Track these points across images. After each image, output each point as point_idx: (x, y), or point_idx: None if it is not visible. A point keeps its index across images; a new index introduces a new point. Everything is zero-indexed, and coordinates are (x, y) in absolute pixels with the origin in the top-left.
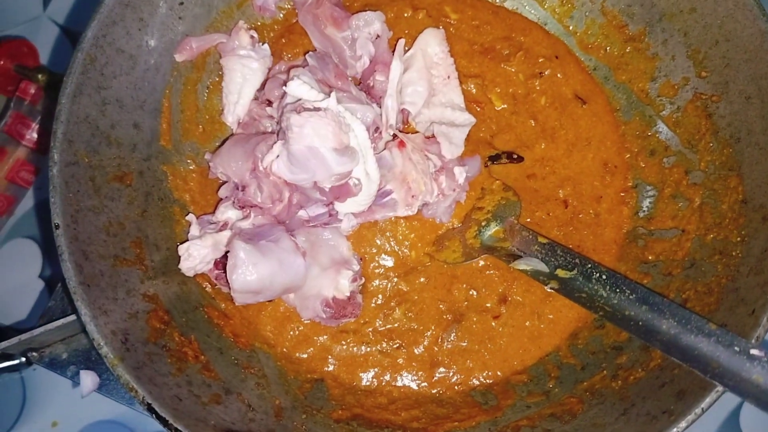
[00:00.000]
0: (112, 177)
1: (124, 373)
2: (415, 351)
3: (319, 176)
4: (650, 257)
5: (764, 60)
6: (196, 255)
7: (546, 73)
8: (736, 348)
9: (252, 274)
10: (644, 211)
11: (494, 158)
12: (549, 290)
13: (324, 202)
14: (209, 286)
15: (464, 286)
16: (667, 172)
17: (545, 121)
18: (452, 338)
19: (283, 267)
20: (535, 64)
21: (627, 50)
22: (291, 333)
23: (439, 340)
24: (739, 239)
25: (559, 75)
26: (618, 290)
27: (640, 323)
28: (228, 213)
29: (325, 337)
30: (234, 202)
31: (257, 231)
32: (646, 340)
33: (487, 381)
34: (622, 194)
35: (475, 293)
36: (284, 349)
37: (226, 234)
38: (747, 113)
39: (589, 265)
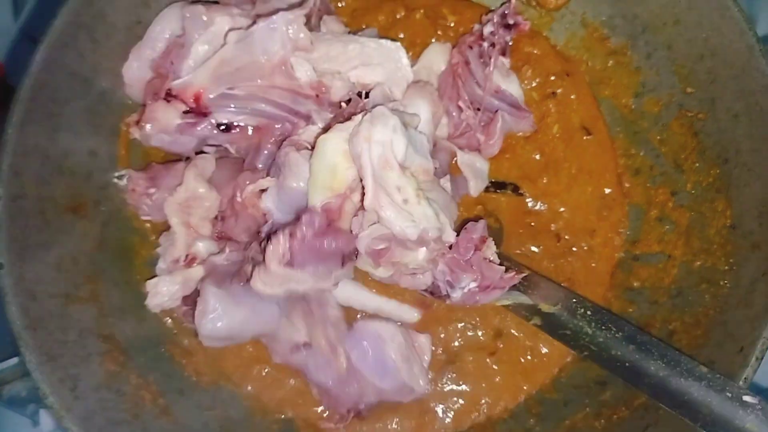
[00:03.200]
0: (65, 208)
1: (71, 425)
2: None
3: None
4: (635, 283)
5: (752, 76)
6: (165, 292)
7: (559, 92)
8: (728, 394)
9: (221, 322)
10: (628, 233)
11: (498, 186)
12: (516, 333)
13: None
14: (170, 320)
15: (458, 324)
16: (653, 193)
17: (551, 154)
18: (446, 381)
19: (255, 313)
20: (547, 82)
21: (609, 64)
22: (259, 373)
23: (433, 383)
24: (727, 267)
25: (572, 96)
26: (604, 327)
27: (627, 364)
28: (198, 246)
29: (296, 380)
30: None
31: (231, 270)
32: (633, 383)
33: (477, 421)
34: (620, 230)
35: (470, 329)
36: (251, 389)
37: (199, 271)
38: (734, 132)
39: (574, 300)
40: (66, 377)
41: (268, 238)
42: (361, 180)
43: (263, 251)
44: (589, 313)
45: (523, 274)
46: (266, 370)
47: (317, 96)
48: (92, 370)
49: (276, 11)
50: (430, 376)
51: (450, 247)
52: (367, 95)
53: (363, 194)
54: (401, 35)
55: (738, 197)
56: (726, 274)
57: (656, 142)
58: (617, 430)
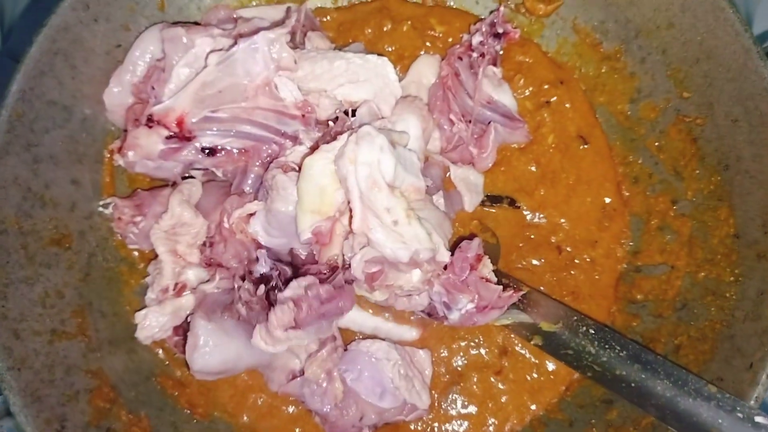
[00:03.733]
0: (49, 241)
1: None
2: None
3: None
4: (639, 296)
5: (749, 79)
6: (154, 323)
7: (553, 101)
8: (739, 414)
9: (213, 356)
10: (630, 244)
11: (494, 200)
12: (521, 350)
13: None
14: (162, 351)
15: (461, 343)
16: (653, 202)
17: (547, 165)
18: (451, 402)
19: (249, 346)
20: (540, 91)
21: (603, 70)
22: (255, 402)
23: (437, 405)
24: (732, 279)
25: (567, 105)
26: (607, 346)
27: (633, 384)
28: (187, 274)
29: (293, 408)
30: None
31: (222, 299)
32: (639, 404)
33: None
34: (622, 241)
35: (473, 348)
36: (247, 419)
37: (189, 300)
38: (734, 137)
39: (575, 318)
40: (53, 418)
41: (268, 296)
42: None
43: (266, 309)
44: (591, 331)
45: (522, 292)
46: (262, 399)
47: (303, 116)
48: (80, 408)
49: (257, 30)
50: (434, 396)
51: (445, 268)
52: (354, 113)
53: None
54: (389, 48)
55: (741, 205)
56: (732, 286)
57: (654, 149)
58: None
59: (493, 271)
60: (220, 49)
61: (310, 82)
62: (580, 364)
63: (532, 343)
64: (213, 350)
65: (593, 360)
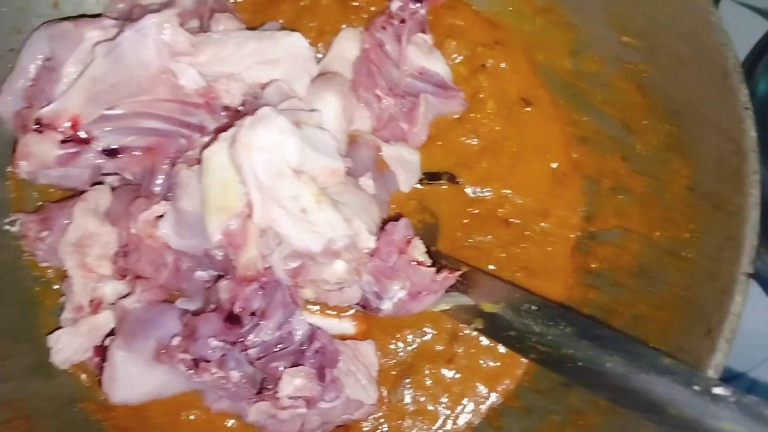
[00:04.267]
0: None
1: None
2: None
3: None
4: (594, 265)
5: (691, 14)
6: (69, 345)
7: (489, 64)
8: (696, 387)
9: (134, 389)
10: (583, 208)
11: (432, 177)
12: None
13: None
14: (86, 375)
15: (408, 332)
16: (603, 161)
17: (488, 134)
18: (402, 396)
19: (176, 374)
20: (475, 54)
21: (538, 24)
22: (188, 420)
23: (387, 401)
24: (688, 235)
25: (503, 65)
26: (552, 323)
27: (580, 363)
28: (103, 289)
29: (232, 422)
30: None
31: (146, 318)
32: (590, 387)
33: None
34: (576, 207)
35: (421, 336)
36: None
37: (106, 316)
38: (681, 80)
39: (518, 295)
40: None
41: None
42: None
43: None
44: (534, 308)
45: (458, 273)
46: (195, 415)
47: (207, 103)
48: None
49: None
50: (384, 393)
51: (372, 254)
52: None
53: None
54: (310, 24)
55: (693, 154)
56: (688, 244)
57: (599, 103)
58: None
59: (431, 252)
60: (109, 39)
61: (216, 66)
62: (523, 345)
63: (472, 326)
64: (134, 381)
65: (537, 340)
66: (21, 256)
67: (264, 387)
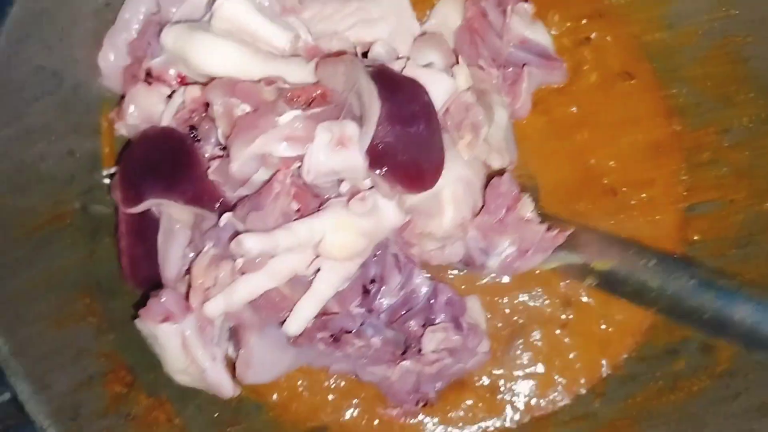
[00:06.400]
0: (47, 219)
1: None
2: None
3: None
4: (695, 237)
5: None
6: None
7: (593, 36)
8: None
9: (266, 373)
10: (684, 180)
11: None
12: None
13: None
14: None
15: (518, 296)
16: (702, 134)
17: (589, 105)
18: (515, 359)
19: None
20: (579, 26)
21: None
22: (286, 379)
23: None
24: None
25: (608, 38)
26: (673, 277)
27: (706, 315)
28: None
29: (329, 382)
30: None
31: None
32: (717, 335)
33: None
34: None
35: (533, 300)
36: (277, 397)
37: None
38: None
39: (633, 251)
40: (65, 405)
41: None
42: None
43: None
44: (652, 263)
45: (569, 231)
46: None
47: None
48: (95, 394)
49: None
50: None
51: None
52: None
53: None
54: None
55: None
56: None
57: (699, 76)
58: (699, 403)
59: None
60: None
61: (319, 24)
62: (643, 299)
63: (585, 283)
64: (267, 366)
65: (658, 294)
66: (115, 211)
67: (407, 347)
